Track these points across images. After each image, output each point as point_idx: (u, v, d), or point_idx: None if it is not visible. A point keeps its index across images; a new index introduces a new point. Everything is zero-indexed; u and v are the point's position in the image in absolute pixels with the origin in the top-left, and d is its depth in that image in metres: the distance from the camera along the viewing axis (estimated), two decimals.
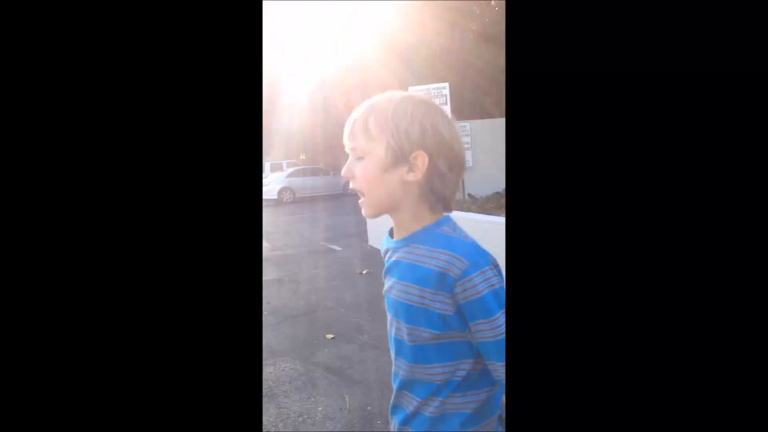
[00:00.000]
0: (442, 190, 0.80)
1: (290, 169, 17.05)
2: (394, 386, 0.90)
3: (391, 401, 0.92)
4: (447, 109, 6.01)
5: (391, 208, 0.83)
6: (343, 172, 0.84)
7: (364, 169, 0.80)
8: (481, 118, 10.05)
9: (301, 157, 23.04)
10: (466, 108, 11.26)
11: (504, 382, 0.77)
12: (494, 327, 0.75)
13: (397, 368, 0.89)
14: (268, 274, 5.48)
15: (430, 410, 0.83)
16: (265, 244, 7.44)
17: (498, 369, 0.78)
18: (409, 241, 0.83)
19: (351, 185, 0.84)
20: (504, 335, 0.75)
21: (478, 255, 0.77)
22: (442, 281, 0.76)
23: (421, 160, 0.78)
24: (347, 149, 0.82)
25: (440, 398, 0.82)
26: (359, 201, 0.84)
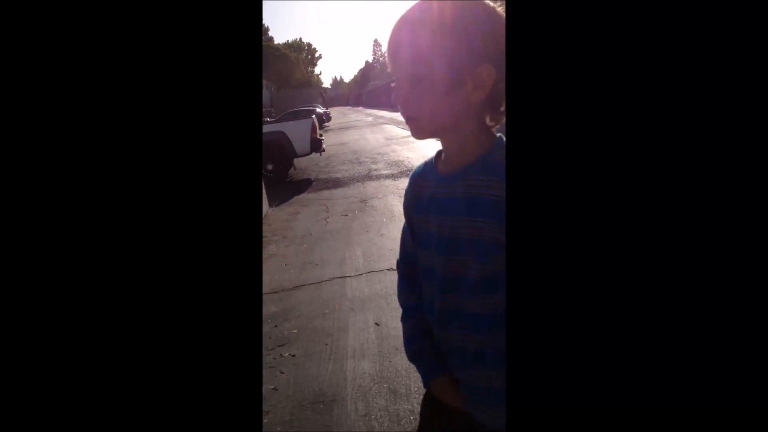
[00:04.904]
0: (502, 102, 0.69)
1: None
2: (439, 329, 0.81)
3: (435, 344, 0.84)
4: None
5: (447, 131, 0.72)
6: (393, 98, 0.71)
7: (420, 96, 0.68)
8: None
9: None
10: None
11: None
12: None
13: (451, 305, 0.78)
14: None
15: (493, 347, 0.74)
16: None
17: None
18: (464, 174, 0.71)
19: (402, 112, 0.72)
20: None
21: None
22: (499, 211, 0.67)
23: (487, 74, 0.65)
24: (392, 72, 0.70)
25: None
26: (408, 122, 0.71)
